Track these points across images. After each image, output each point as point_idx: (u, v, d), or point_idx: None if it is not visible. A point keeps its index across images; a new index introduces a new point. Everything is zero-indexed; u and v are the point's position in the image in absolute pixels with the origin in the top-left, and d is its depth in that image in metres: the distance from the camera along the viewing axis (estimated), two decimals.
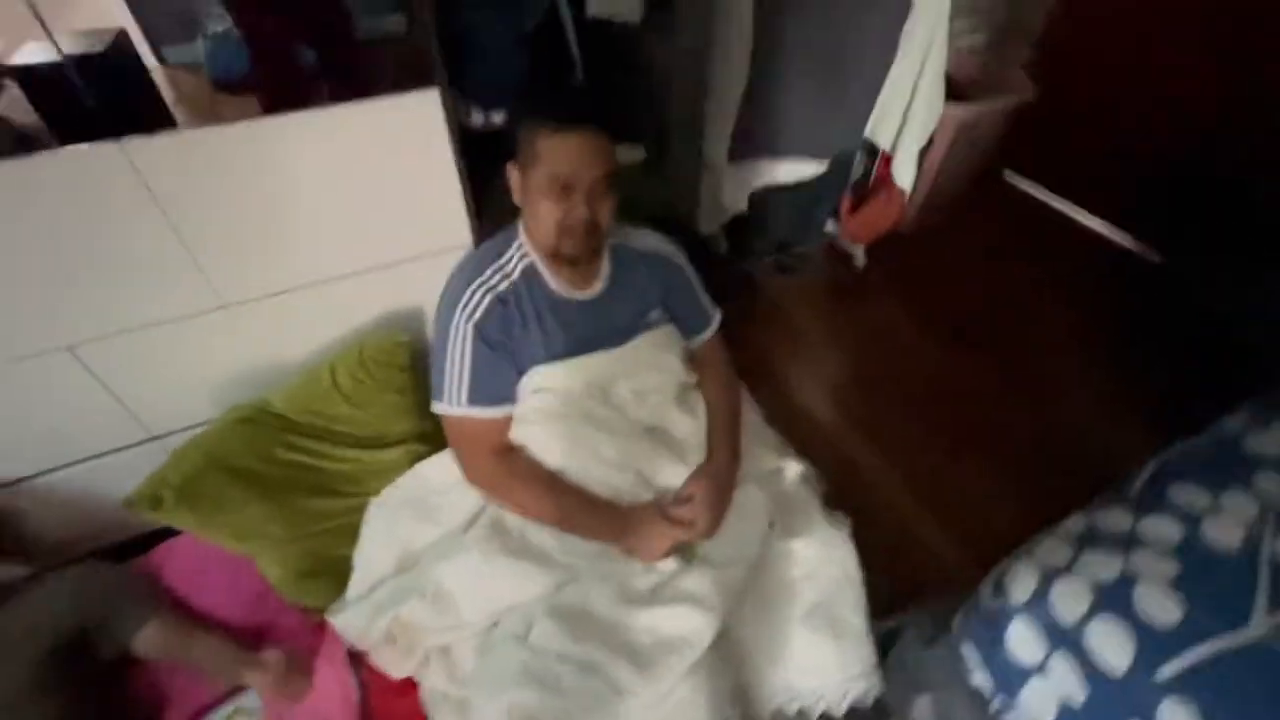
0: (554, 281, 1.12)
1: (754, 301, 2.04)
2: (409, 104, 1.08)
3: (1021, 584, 0.80)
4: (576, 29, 1.37)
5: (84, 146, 0.92)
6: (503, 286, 1.09)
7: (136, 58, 0.99)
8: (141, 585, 1.09)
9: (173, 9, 1.06)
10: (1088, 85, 2.22)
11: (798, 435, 1.36)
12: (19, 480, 1.18)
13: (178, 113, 1.00)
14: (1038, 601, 0.78)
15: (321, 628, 1.18)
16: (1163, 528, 0.82)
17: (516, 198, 1.09)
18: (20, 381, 1.07)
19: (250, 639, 1.13)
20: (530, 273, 1.11)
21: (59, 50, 0.93)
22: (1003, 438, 1.61)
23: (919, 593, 1.20)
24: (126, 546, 1.21)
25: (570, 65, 1.37)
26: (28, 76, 0.94)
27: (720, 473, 1.15)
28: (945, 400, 1.71)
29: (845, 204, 2.06)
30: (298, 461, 1.15)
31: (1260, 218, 1.66)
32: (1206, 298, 1.73)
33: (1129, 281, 2.06)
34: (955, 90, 2.10)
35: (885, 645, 1.05)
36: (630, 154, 1.47)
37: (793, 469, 1.24)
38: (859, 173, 2.04)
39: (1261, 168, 1.64)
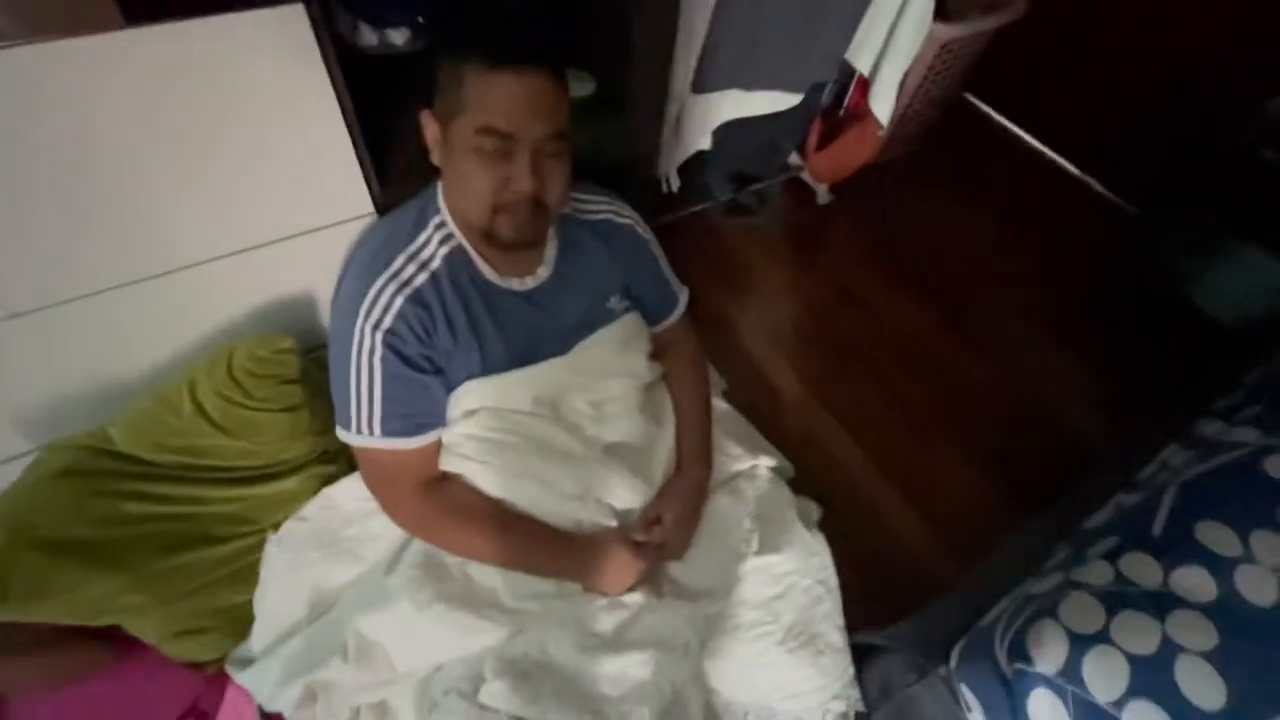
0: (486, 268, 0.87)
1: (705, 248, 1.81)
2: (265, 23, 0.74)
3: (1049, 651, 0.71)
4: None
5: None
6: (420, 280, 0.83)
7: None
8: None
9: None
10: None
11: (757, 405, 1.28)
12: None
13: None
14: (1069, 675, 0.70)
15: (220, 680, 0.99)
16: (1194, 580, 0.74)
17: (435, 156, 0.82)
18: None
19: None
20: (455, 259, 0.85)
21: None
22: (968, 404, 1.54)
23: (894, 592, 1.14)
24: None
25: None
26: None
27: (691, 488, 1.02)
28: (911, 364, 1.60)
29: (813, 137, 1.82)
30: (157, 513, 0.88)
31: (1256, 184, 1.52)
32: (1171, 257, 1.66)
33: (1103, 232, 1.97)
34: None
35: (859, 654, 0.99)
36: (580, 86, 1.16)
37: (764, 465, 1.12)
38: (829, 98, 1.80)
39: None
